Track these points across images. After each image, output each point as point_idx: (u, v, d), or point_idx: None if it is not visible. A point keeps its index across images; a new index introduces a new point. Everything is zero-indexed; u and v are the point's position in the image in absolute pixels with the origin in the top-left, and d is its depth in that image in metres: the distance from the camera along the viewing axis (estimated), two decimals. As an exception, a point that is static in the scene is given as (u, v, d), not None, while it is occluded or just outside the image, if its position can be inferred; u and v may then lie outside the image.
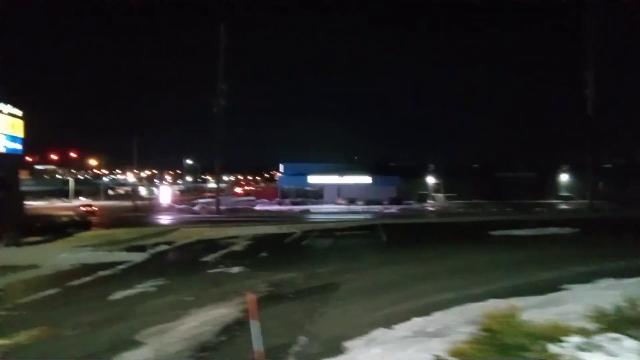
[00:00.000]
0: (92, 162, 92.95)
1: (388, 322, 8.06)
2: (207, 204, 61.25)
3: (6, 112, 24.71)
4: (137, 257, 17.59)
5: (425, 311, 8.73)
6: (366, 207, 56.55)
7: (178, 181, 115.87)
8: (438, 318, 8.29)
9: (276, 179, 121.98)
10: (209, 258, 17.25)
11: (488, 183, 71.45)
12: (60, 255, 17.88)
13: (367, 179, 70.85)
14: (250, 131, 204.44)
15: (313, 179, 72.05)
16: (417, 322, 8.14)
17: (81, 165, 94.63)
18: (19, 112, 25.76)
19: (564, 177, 74.42)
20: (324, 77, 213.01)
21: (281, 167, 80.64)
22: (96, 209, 52.58)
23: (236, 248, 19.87)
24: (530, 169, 72.56)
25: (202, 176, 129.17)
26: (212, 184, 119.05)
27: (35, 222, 25.03)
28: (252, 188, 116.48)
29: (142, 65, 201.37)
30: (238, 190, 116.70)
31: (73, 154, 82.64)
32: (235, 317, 9.27)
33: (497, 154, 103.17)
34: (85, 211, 48.57)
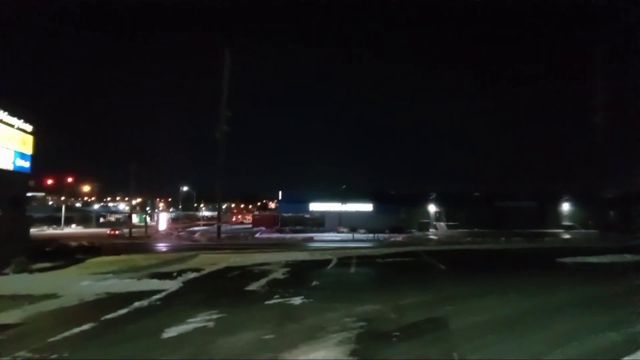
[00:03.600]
0: (86, 188, 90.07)
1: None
2: (206, 231, 60.47)
3: (16, 127, 22.70)
4: (170, 285, 15.35)
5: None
6: (370, 235, 54.90)
7: (170, 209, 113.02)
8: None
9: (270, 207, 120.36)
10: (254, 287, 15.08)
11: (489, 212, 70.46)
12: (81, 283, 15.62)
13: (368, 207, 69.86)
14: (242, 159, 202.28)
15: (314, 207, 70.85)
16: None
17: (73, 192, 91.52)
18: (29, 128, 23.75)
19: (566, 206, 73.62)
20: (321, 105, 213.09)
21: (280, 194, 78.92)
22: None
23: (277, 276, 17.66)
24: (530, 197, 71.70)
25: (195, 204, 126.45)
26: (203, 212, 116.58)
27: (43, 247, 22.77)
28: (248, 216, 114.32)
29: (139, 92, 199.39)
30: (233, 218, 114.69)
31: (69, 179, 79.89)
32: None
33: (497, 182, 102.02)
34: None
